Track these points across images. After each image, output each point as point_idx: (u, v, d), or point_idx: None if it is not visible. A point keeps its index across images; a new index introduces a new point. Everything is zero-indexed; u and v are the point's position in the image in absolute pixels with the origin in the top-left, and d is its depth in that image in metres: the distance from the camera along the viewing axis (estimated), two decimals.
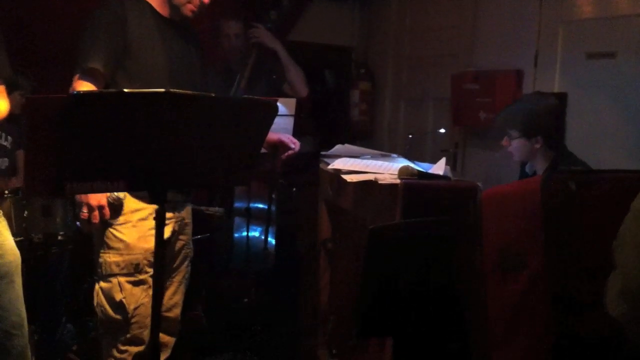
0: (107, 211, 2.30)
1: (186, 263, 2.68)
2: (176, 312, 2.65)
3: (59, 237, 3.19)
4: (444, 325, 2.03)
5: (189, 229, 2.68)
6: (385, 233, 1.99)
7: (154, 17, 2.44)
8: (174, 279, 2.63)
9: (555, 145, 2.74)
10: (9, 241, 2.32)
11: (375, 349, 2.39)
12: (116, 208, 2.36)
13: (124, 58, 2.35)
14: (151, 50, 2.40)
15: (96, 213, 2.27)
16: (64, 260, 3.41)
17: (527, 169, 2.88)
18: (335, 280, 3.01)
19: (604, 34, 3.27)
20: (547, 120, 2.71)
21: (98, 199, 2.26)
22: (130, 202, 2.39)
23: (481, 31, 4.10)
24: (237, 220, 3.93)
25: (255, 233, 3.91)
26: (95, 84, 2.29)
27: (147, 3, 2.44)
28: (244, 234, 3.87)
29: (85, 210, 2.27)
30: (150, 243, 2.31)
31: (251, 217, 3.87)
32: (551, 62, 3.57)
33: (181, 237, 2.62)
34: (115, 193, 2.32)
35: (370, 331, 2.09)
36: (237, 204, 3.91)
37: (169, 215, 2.37)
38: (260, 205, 3.89)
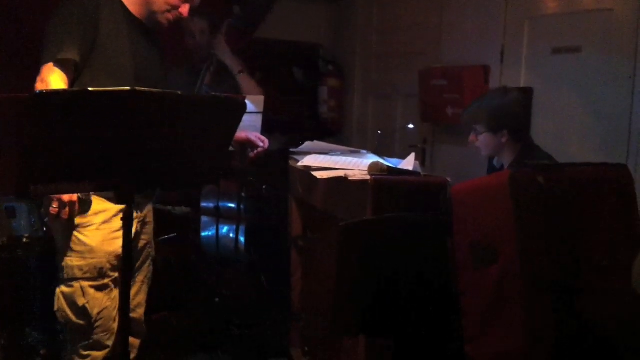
0: (77, 207, 2.25)
1: (148, 262, 2.65)
2: (140, 312, 2.61)
3: (25, 240, 3.13)
4: (419, 319, 2.04)
5: (150, 228, 2.64)
6: (356, 229, 2.00)
7: (125, 17, 2.39)
8: (137, 279, 2.59)
9: (521, 138, 2.79)
10: None
11: (348, 346, 2.39)
12: (85, 204, 2.31)
13: (91, 53, 2.30)
14: (117, 49, 2.35)
15: (67, 209, 2.21)
16: (31, 263, 3.35)
17: (495, 162, 2.93)
18: (308, 278, 3.01)
19: (569, 29, 3.31)
20: (512, 114, 2.77)
21: (70, 194, 2.21)
22: (94, 203, 2.34)
23: (448, 28, 4.13)
24: (206, 219, 3.88)
25: (224, 232, 3.87)
26: (66, 74, 2.23)
27: (120, 1, 2.39)
28: (213, 232, 3.83)
29: (55, 205, 2.19)
30: (114, 246, 2.30)
31: (221, 216, 3.84)
32: (517, 58, 3.61)
33: (143, 237, 2.58)
34: None
35: (344, 328, 2.10)
36: (206, 203, 3.87)
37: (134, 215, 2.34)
38: (230, 204, 3.85)
